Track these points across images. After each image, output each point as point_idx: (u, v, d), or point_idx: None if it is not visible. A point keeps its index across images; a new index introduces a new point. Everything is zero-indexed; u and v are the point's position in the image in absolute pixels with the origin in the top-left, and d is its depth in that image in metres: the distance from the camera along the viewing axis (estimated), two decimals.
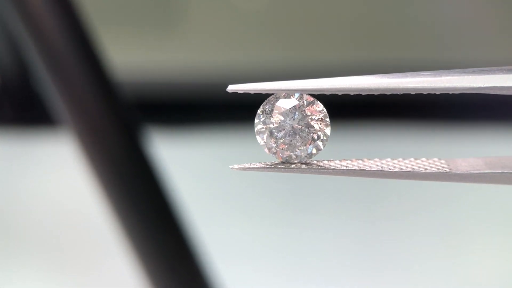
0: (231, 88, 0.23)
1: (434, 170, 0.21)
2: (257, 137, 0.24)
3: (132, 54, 0.86)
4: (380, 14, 0.86)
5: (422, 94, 0.22)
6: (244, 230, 0.72)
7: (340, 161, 0.23)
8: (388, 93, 0.21)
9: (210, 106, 0.85)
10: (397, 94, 0.22)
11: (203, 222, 0.65)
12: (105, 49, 0.49)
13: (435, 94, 0.22)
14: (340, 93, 0.22)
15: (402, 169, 0.22)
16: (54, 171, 0.79)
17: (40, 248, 0.70)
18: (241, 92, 0.23)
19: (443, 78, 0.20)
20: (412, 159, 0.22)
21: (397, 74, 0.21)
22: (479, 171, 0.21)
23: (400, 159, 0.22)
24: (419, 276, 0.68)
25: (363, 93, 0.22)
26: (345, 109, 0.81)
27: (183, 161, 0.78)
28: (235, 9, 0.85)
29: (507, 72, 0.21)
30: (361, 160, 0.23)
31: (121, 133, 0.47)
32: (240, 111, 0.76)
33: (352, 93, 0.22)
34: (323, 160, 0.24)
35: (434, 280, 0.67)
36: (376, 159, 0.23)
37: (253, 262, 0.69)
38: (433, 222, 0.73)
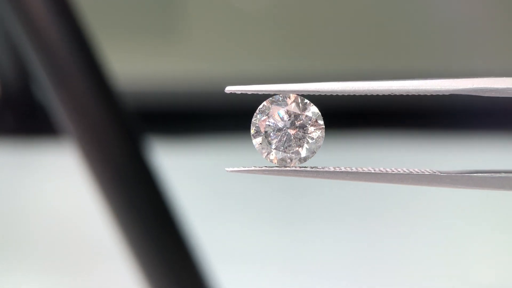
0: (229, 89, 0.24)
1: (426, 173, 0.22)
2: (253, 140, 0.25)
3: (134, 63, 0.86)
4: (383, 19, 0.86)
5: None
6: (244, 236, 0.72)
7: (334, 168, 0.24)
8: (381, 94, 0.22)
9: (212, 115, 0.85)
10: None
11: (205, 229, 0.65)
12: (107, 58, 0.49)
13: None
14: (334, 94, 0.23)
15: (393, 171, 0.22)
16: (56, 180, 0.79)
17: (42, 256, 0.70)
18: (239, 92, 0.24)
19: (433, 80, 0.21)
20: (405, 168, 0.23)
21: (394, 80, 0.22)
22: (470, 174, 0.21)
23: (393, 168, 0.23)
24: (418, 280, 0.68)
25: (355, 94, 0.23)
26: (340, 118, 0.81)
27: (184, 169, 0.78)
28: (236, 18, 0.86)
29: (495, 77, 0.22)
30: (355, 168, 0.23)
31: (123, 142, 0.48)
32: (241, 120, 0.76)
33: (346, 94, 0.23)
34: (317, 167, 0.24)
35: (433, 281, 0.68)
36: (370, 168, 0.23)
37: (252, 267, 0.69)
38: (431, 227, 0.73)
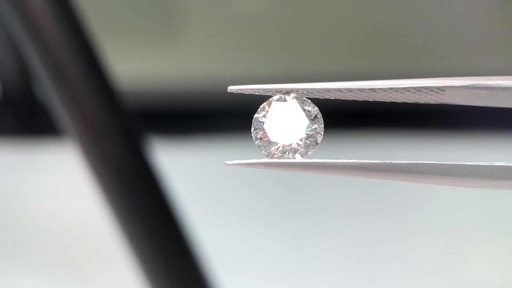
0: (231, 88, 0.24)
1: (435, 163, 0.22)
2: (253, 136, 0.25)
3: (135, 63, 0.86)
4: (383, 20, 0.86)
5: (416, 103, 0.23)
6: (245, 236, 0.72)
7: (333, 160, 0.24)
8: (380, 92, 0.22)
9: (212, 115, 0.85)
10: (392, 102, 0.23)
11: (206, 229, 0.65)
12: (107, 58, 0.49)
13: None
14: (332, 97, 0.23)
15: (397, 162, 0.22)
16: (57, 180, 0.79)
17: (43, 257, 0.71)
18: (240, 92, 0.24)
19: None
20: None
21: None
22: (470, 163, 0.21)
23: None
24: (418, 275, 0.68)
25: (352, 92, 0.23)
26: (340, 117, 0.81)
27: (185, 169, 0.78)
28: (236, 19, 0.86)
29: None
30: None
31: (124, 141, 0.48)
32: (242, 119, 0.76)
33: (343, 93, 0.23)
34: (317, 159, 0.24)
35: (433, 280, 0.68)
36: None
37: (254, 267, 0.69)
38: (431, 222, 0.73)
